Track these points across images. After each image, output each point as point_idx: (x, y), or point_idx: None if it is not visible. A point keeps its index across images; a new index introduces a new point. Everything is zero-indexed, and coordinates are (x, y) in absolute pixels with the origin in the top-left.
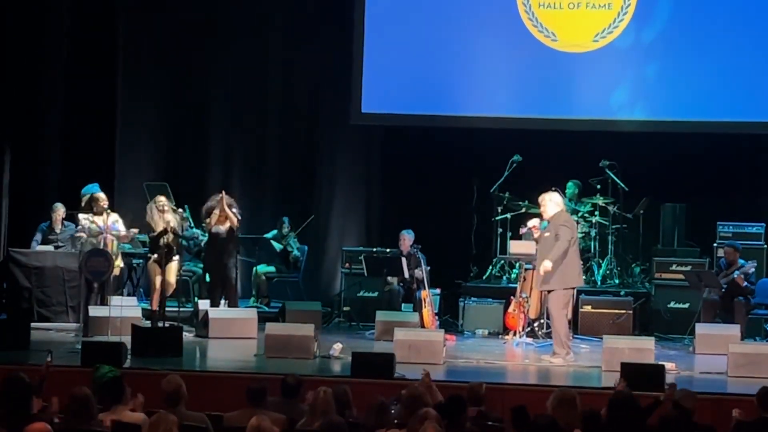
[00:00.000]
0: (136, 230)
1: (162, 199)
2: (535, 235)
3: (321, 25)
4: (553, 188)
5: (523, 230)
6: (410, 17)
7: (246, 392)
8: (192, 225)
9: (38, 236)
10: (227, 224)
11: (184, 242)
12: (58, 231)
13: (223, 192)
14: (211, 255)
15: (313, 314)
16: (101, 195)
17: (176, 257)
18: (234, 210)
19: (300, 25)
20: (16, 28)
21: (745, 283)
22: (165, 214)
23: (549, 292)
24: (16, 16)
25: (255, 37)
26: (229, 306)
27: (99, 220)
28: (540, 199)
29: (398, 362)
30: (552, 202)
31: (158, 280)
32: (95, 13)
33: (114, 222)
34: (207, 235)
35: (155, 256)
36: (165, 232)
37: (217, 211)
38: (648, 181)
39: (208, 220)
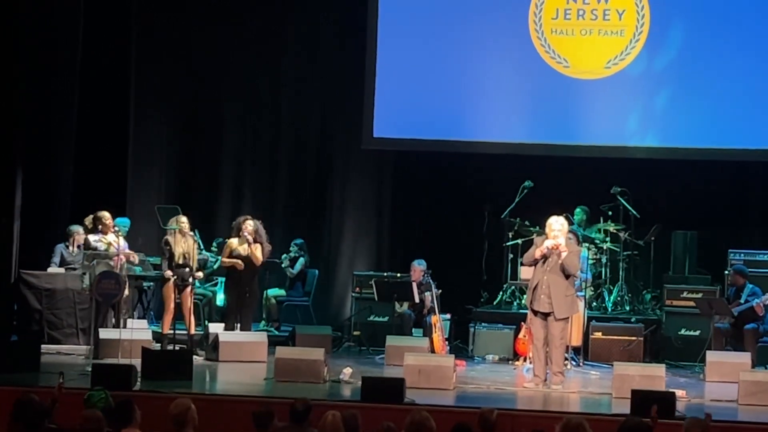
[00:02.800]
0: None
1: (184, 220)
2: (537, 255)
3: (333, 50)
4: (564, 214)
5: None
6: (422, 43)
7: (252, 416)
8: (202, 249)
9: (56, 259)
10: (248, 251)
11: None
12: (74, 254)
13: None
14: (234, 279)
15: (323, 338)
16: (105, 214)
17: (192, 279)
18: (261, 240)
19: (312, 49)
20: (29, 51)
21: (764, 312)
22: (185, 237)
23: (558, 319)
24: (29, 38)
25: (267, 61)
26: (241, 329)
27: (112, 241)
28: (553, 222)
29: (408, 387)
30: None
31: (173, 302)
32: (108, 37)
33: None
34: (218, 259)
35: (174, 278)
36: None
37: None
38: (659, 208)
39: (234, 244)
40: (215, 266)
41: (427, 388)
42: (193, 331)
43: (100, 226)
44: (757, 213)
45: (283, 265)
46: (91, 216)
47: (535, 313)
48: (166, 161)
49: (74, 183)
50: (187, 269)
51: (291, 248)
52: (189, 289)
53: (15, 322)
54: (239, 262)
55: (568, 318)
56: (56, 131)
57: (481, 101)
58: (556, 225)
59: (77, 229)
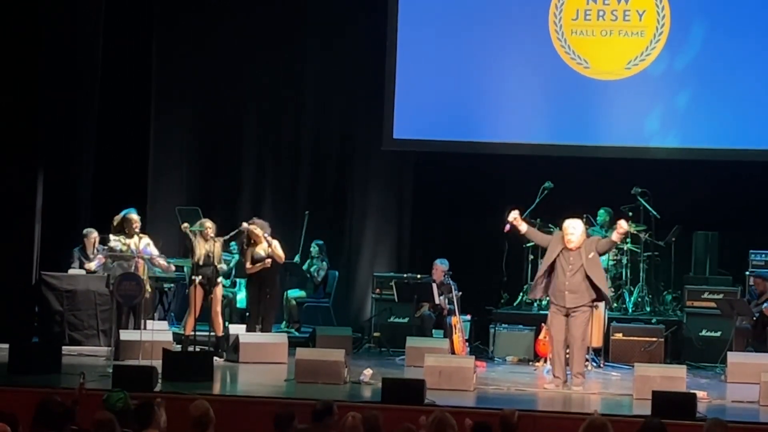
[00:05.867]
0: (173, 268)
1: (209, 225)
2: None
3: (354, 51)
4: (585, 216)
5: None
6: (442, 44)
7: (273, 418)
8: (234, 252)
9: (76, 263)
10: (269, 251)
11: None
12: (91, 257)
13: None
14: (256, 280)
15: (343, 339)
16: (134, 216)
17: (220, 280)
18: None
19: (332, 51)
20: (50, 53)
21: None
22: (208, 241)
23: (579, 307)
24: (50, 41)
25: (288, 63)
26: (262, 331)
27: (131, 243)
28: (568, 226)
29: (428, 388)
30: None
31: (198, 304)
32: (130, 39)
33: (146, 245)
34: (236, 257)
35: (200, 278)
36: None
37: (262, 241)
38: (680, 209)
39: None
40: (232, 264)
41: (447, 390)
42: (220, 333)
43: (126, 228)
44: None
45: (304, 267)
46: (120, 216)
47: (556, 309)
48: (186, 163)
49: (95, 184)
50: (212, 269)
51: (312, 248)
52: (218, 290)
53: (36, 324)
54: (266, 262)
55: (588, 310)
56: (77, 133)
57: (501, 102)
58: (570, 228)
59: (91, 232)
